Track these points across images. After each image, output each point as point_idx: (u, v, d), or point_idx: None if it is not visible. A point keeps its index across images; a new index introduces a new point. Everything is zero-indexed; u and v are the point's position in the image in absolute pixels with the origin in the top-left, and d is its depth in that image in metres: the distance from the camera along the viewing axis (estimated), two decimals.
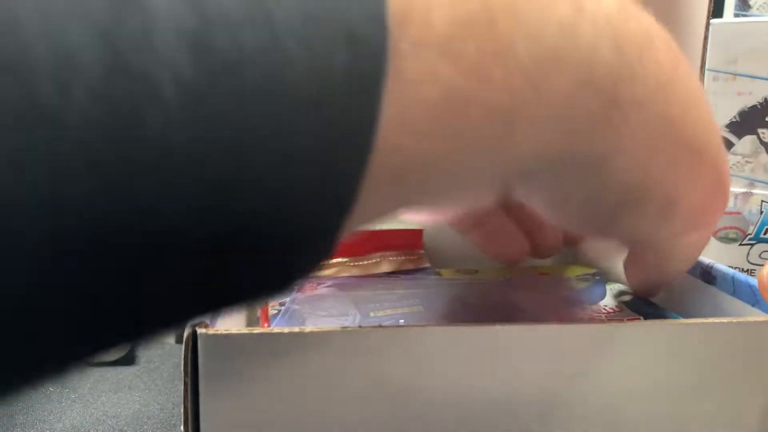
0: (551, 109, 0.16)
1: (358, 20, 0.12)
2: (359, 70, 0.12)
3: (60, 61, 0.09)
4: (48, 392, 0.40)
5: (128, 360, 0.45)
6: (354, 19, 0.12)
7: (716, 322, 0.21)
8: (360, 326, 0.20)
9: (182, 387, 0.19)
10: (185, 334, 0.18)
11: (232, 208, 0.11)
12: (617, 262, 0.31)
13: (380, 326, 0.19)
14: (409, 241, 0.34)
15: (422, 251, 0.34)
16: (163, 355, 0.46)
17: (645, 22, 0.18)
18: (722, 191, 0.21)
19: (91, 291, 0.11)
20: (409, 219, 0.27)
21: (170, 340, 0.48)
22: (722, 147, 0.21)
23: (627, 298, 0.28)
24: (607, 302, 0.28)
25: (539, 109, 0.15)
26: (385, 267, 0.32)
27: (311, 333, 0.19)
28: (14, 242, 0.10)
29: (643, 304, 0.27)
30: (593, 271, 0.33)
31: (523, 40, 0.15)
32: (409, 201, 0.17)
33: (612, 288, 0.30)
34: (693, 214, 0.20)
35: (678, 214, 0.20)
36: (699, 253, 0.24)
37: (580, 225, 0.22)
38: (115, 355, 0.44)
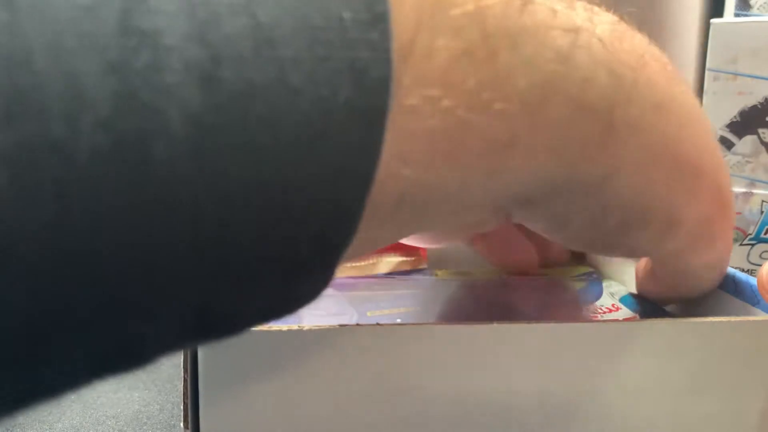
0: (548, 134, 0.16)
1: (363, 54, 0.12)
2: (363, 104, 0.12)
3: (70, 94, 0.09)
4: None
5: None
6: (359, 53, 0.12)
7: (716, 322, 0.21)
8: (359, 324, 0.20)
9: (182, 387, 0.19)
10: None
11: (234, 237, 0.11)
12: (615, 262, 0.31)
13: (379, 324, 0.19)
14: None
15: (419, 252, 0.34)
16: None
17: (638, 41, 0.18)
18: (724, 205, 0.21)
19: (90, 315, 0.11)
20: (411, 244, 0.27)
21: None
22: (722, 162, 0.20)
23: (620, 294, 0.28)
24: (604, 301, 0.28)
25: (536, 135, 0.16)
26: (382, 268, 0.32)
27: (310, 330, 0.19)
28: (16, 266, 0.10)
29: (640, 300, 0.27)
30: (590, 270, 0.33)
31: (521, 70, 0.15)
32: (409, 228, 0.18)
33: (609, 285, 0.30)
34: (695, 230, 0.20)
35: (680, 231, 0.20)
36: (717, 272, 0.23)
37: (581, 246, 0.22)
38: None
